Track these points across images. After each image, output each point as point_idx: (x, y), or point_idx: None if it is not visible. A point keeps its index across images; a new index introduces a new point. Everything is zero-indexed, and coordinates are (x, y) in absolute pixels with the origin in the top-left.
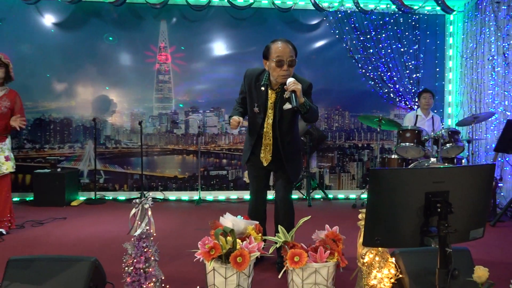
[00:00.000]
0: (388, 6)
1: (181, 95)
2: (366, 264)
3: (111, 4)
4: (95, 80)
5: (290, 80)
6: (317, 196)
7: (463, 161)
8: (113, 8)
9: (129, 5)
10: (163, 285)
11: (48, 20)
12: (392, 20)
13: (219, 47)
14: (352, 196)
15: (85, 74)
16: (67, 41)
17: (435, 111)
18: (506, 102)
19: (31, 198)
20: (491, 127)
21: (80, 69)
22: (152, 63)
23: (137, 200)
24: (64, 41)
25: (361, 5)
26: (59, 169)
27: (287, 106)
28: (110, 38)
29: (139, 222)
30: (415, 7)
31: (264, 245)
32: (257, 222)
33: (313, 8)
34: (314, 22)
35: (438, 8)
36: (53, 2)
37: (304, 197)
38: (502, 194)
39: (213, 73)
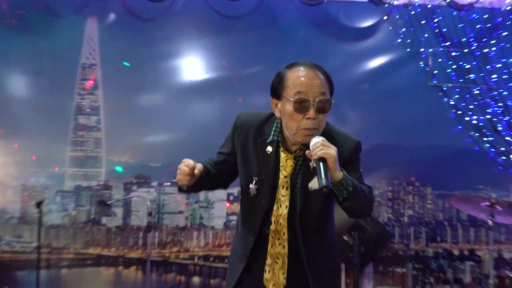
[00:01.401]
0: None
1: (119, 153)
2: None
3: None
4: None
5: (317, 140)
6: None
7: None
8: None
9: None
10: None
11: None
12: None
13: (193, 67)
14: None
15: None
16: None
17: None
18: None
19: None
20: None
21: None
22: (67, 94)
23: None
24: None
25: None
26: None
27: (314, 185)
28: (125, 63)
29: None
30: None
31: None
32: None
33: None
34: (367, 24)
35: None
36: None
37: None
38: None
39: (180, 112)
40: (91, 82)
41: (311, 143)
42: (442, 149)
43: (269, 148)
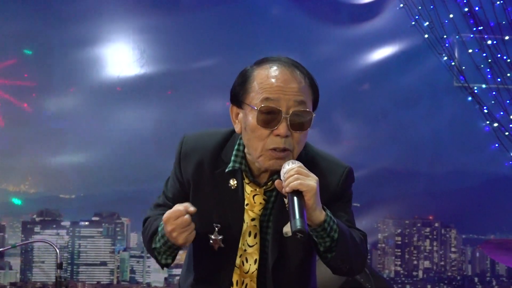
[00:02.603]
0: None
1: (15, 180)
2: None
3: None
4: None
5: (290, 166)
6: None
7: None
8: None
9: None
10: None
11: None
12: None
13: (120, 58)
14: None
15: None
16: None
17: None
18: None
19: None
20: None
21: None
22: None
23: None
24: None
25: None
26: None
27: (288, 229)
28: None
29: None
30: None
31: None
32: None
33: None
34: (364, 1)
35: None
36: None
37: None
38: None
39: (101, 122)
40: None
41: (283, 171)
42: (472, 176)
43: (233, 182)
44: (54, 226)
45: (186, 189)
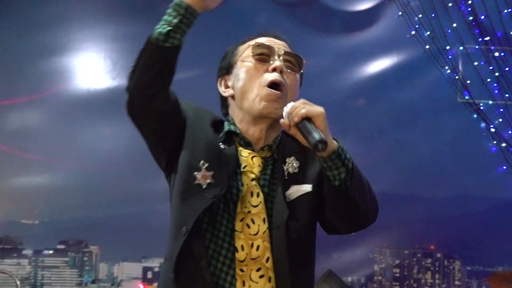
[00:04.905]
0: None
1: None
2: None
3: None
4: None
5: (294, 103)
6: None
7: None
8: None
9: None
10: None
11: None
12: None
13: (90, 68)
14: None
15: None
16: None
17: None
18: None
19: None
20: None
21: None
22: None
23: None
24: None
25: None
26: None
27: (295, 192)
28: None
29: None
30: None
31: None
32: None
33: None
34: (364, 6)
35: None
36: None
37: None
38: None
39: (68, 138)
40: None
41: (286, 110)
42: (477, 201)
43: (223, 146)
44: (15, 255)
45: (180, 117)
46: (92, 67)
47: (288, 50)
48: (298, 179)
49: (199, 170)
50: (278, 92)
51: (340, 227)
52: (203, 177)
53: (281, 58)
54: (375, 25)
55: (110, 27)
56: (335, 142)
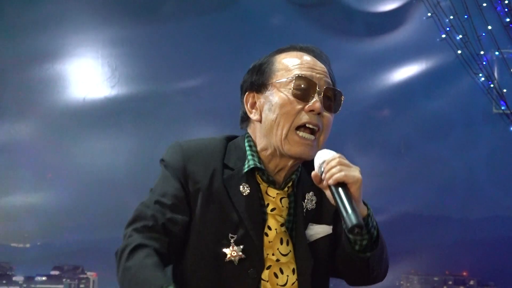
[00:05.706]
0: None
1: None
2: None
3: None
4: None
5: (329, 155)
6: None
7: None
8: None
9: None
10: None
11: None
12: None
13: (87, 77)
14: None
15: None
16: None
17: None
18: None
19: None
20: None
21: None
22: None
23: None
24: None
25: None
26: None
27: (316, 232)
28: None
29: None
30: None
31: None
32: None
33: None
34: (389, 6)
35: None
36: None
37: None
38: None
39: (62, 153)
40: None
41: (318, 161)
42: None
43: (244, 188)
44: (4, 281)
45: (190, 198)
46: (89, 75)
47: (330, 84)
48: (316, 216)
49: (227, 246)
50: (311, 138)
51: (345, 278)
52: (232, 253)
53: (321, 95)
54: (401, 28)
55: (109, 30)
56: (365, 207)
